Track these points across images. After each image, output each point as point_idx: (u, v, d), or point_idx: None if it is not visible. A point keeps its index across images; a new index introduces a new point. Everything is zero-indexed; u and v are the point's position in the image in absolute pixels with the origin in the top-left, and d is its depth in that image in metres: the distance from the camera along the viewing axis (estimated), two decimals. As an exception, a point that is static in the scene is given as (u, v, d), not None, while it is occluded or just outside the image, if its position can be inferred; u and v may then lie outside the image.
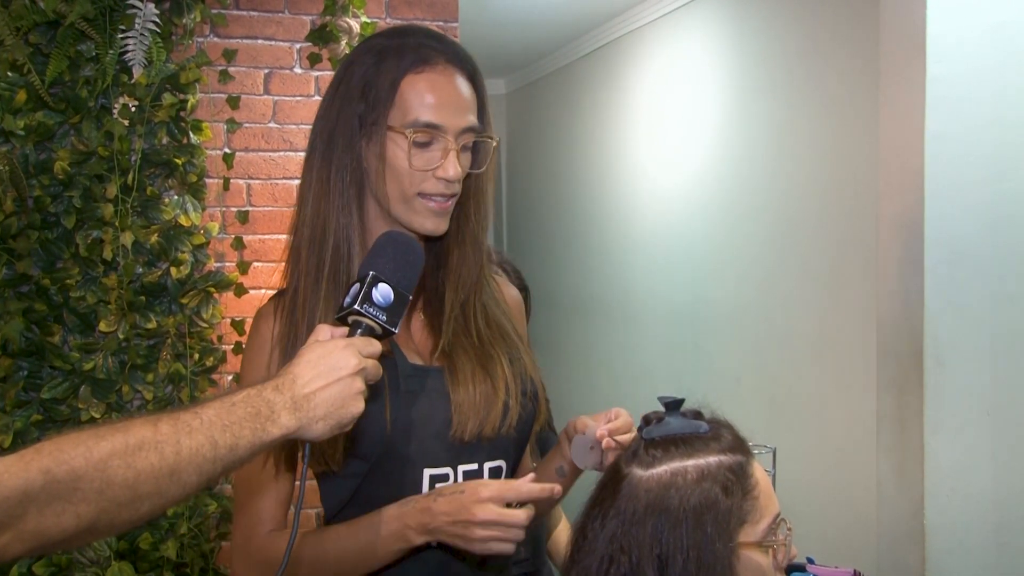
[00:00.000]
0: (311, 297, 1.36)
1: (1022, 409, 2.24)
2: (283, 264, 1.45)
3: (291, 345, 1.35)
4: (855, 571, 2.20)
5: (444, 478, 1.38)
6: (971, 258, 2.21)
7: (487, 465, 1.42)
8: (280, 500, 1.39)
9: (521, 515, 1.27)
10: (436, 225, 1.39)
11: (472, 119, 1.39)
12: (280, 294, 1.43)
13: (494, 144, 1.44)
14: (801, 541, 1.35)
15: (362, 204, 1.39)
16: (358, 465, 1.37)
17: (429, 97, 1.36)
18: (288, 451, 1.37)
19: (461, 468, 1.39)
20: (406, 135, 1.34)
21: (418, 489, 1.37)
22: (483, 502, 1.25)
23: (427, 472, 1.37)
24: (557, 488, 1.32)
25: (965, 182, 2.20)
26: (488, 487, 1.28)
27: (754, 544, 1.10)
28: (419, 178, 1.36)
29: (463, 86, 1.40)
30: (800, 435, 3.26)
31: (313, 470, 1.40)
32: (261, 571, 1.36)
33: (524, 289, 2.15)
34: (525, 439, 1.49)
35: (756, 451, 1.18)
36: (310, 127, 1.46)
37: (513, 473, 1.48)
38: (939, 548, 2.19)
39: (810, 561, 2.24)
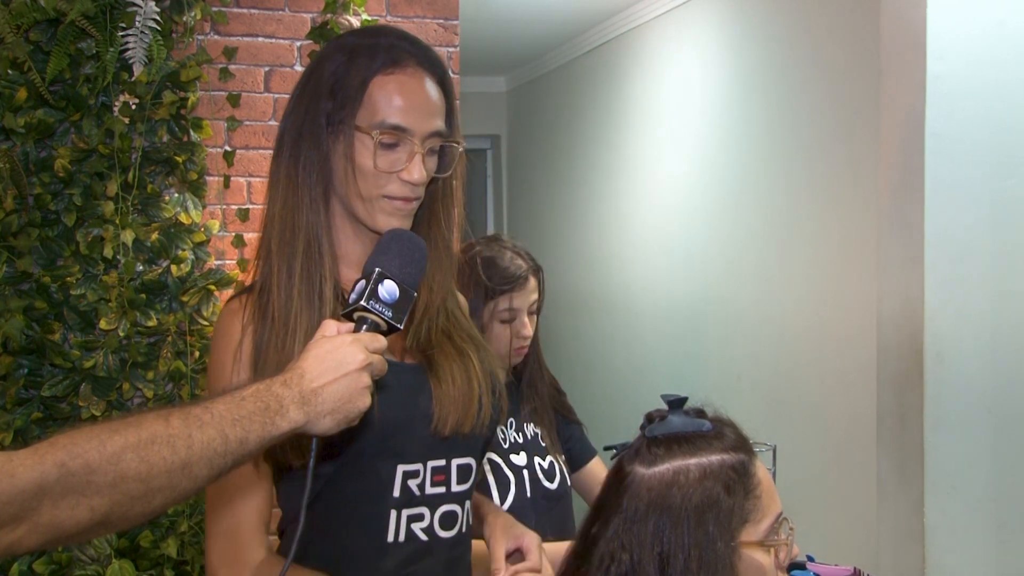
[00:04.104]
0: (283, 293, 1.36)
1: (1022, 406, 2.24)
2: (253, 260, 1.44)
3: (264, 342, 1.35)
4: (855, 569, 2.20)
5: (415, 474, 1.38)
6: (971, 255, 2.21)
7: (455, 462, 1.42)
8: (261, 512, 1.37)
9: None
10: (398, 226, 1.39)
11: (439, 123, 1.40)
12: (246, 291, 1.42)
13: (460, 149, 1.44)
14: (801, 539, 1.35)
15: (328, 202, 1.40)
16: (327, 463, 1.35)
17: (397, 99, 1.36)
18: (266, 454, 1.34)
19: (430, 464, 1.40)
20: (372, 136, 1.35)
21: (389, 485, 1.37)
22: None
23: (400, 468, 1.37)
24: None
25: (965, 179, 2.20)
26: None
27: (756, 543, 1.10)
28: (383, 179, 1.36)
29: (432, 90, 1.40)
30: (800, 432, 3.26)
31: (292, 463, 1.37)
32: None
33: (538, 269, 2.15)
34: (491, 438, 1.51)
35: (756, 449, 1.18)
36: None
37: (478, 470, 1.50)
38: (939, 546, 2.19)
39: (810, 559, 2.24)
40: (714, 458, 1.12)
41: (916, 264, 2.21)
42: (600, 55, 5.05)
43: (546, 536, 2.16)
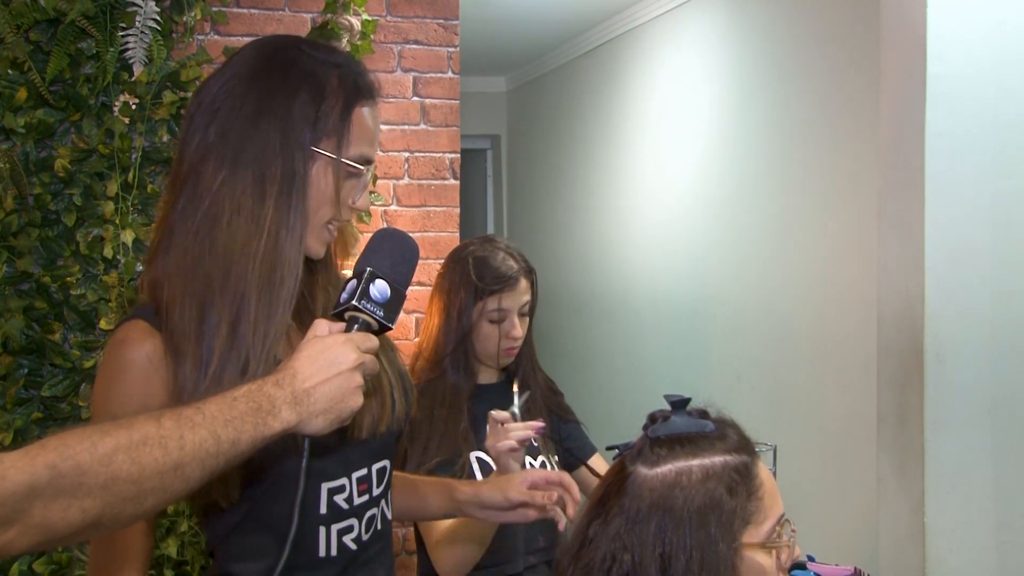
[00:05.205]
0: (260, 314, 1.26)
1: (1023, 407, 2.24)
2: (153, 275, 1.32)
3: (186, 378, 1.26)
4: (855, 569, 2.20)
5: (341, 489, 1.38)
6: (971, 256, 2.20)
7: (375, 467, 1.44)
8: (142, 554, 1.34)
9: None
10: (320, 251, 1.38)
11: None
12: (149, 315, 1.29)
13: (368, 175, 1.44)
14: (802, 539, 1.35)
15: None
16: (253, 486, 1.33)
17: (369, 131, 1.35)
18: None
19: (355, 475, 1.40)
20: (357, 167, 1.33)
21: (316, 505, 1.36)
22: None
23: (324, 486, 1.37)
24: None
25: (965, 180, 2.20)
26: None
27: (757, 545, 1.10)
28: (336, 206, 1.33)
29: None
30: (800, 433, 3.26)
31: (198, 503, 1.34)
32: None
33: (531, 271, 2.16)
34: (401, 435, 1.53)
35: (757, 449, 1.18)
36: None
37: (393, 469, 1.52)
38: (940, 546, 2.19)
39: (811, 559, 2.24)
40: (717, 459, 1.12)
41: (916, 264, 2.21)
42: (600, 55, 5.04)
43: (536, 538, 2.16)
